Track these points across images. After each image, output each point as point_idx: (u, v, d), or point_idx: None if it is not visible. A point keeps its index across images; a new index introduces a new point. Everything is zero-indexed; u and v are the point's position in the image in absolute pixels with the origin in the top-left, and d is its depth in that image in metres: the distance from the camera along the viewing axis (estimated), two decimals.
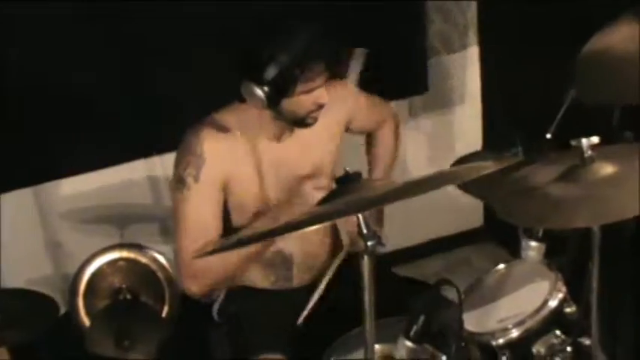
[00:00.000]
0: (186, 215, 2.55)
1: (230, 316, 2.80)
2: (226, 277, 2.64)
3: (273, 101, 2.43)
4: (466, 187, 2.74)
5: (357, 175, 1.76)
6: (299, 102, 2.47)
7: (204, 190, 2.53)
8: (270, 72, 2.38)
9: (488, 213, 4.21)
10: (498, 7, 3.78)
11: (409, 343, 2.09)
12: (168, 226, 3.79)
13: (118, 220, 3.66)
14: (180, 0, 3.37)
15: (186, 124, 3.22)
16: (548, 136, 2.75)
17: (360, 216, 1.68)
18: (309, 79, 2.43)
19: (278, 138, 2.61)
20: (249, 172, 2.58)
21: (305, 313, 2.53)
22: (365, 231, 1.68)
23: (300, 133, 2.62)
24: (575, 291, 2.26)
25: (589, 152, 1.88)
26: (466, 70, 3.99)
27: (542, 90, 3.49)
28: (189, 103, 3.41)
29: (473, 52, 3.98)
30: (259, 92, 2.40)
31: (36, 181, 3.53)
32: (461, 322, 2.06)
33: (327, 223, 1.70)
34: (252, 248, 2.55)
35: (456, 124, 4.09)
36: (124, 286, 3.50)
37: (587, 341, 2.21)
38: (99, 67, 3.42)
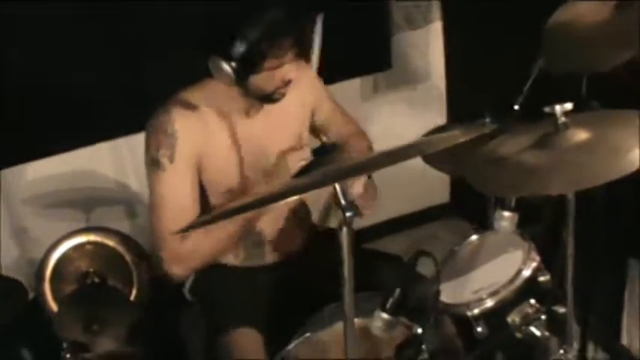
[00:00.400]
0: (163, 197, 2.52)
1: (202, 294, 2.79)
2: (211, 257, 2.62)
3: (241, 77, 2.41)
4: (435, 161, 2.74)
5: (333, 146, 1.75)
6: (267, 78, 2.45)
7: (180, 169, 2.51)
8: (238, 47, 2.35)
9: (455, 189, 4.23)
10: None
11: (385, 315, 2.09)
12: (135, 208, 3.78)
13: (84, 203, 3.63)
14: None
15: (152, 104, 3.22)
16: (516, 107, 2.75)
17: (337, 186, 1.67)
18: (277, 55, 2.41)
19: (247, 113, 2.60)
20: (222, 148, 2.56)
21: None
22: (343, 202, 1.67)
23: (270, 111, 2.61)
24: (549, 260, 2.27)
25: (562, 119, 1.89)
26: (429, 45, 3.99)
27: (505, 64, 3.50)
28: (156, 84, 3.37)
29: (436, 28, 3.97)
30: (227, 68, 2.38)
31: None
32: (437, 294, 2.05)
33: (304, 195, 1.68)
34: (237, 227, 2.54)
35: (420, 100, 4.10)
36: (91, 270, 3.48)
37: (561, 309, 2.22)
38: (64, 51, 3.37)
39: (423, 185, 3.90)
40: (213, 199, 2.65)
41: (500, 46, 3.60)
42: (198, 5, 3.22)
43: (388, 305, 2.09)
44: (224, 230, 2.55)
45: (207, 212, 2.60)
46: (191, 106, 2.54)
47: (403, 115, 4.03)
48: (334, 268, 2.63)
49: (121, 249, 3.52)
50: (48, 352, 3.12)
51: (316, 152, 1.81)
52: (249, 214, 2.54)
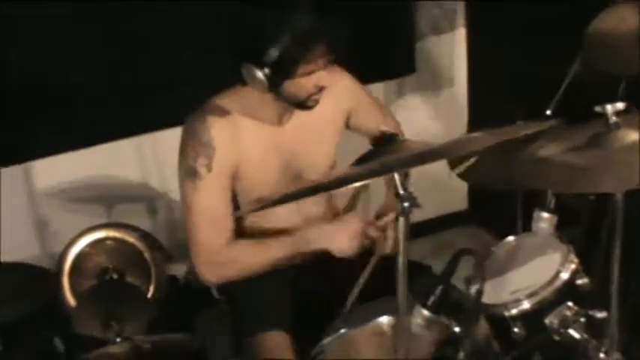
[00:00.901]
0: (200, 205, 2.51)
1: (230, 293, 2.76)
2: (244, 272, 2.60)
3: (275, 83, 2.40)
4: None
5: (393, 136, 1.74)
6: (300, 84, 2.44)
7: (217, 178, 2.50)
8: (271, 53, 2.34)
9: (473, 196, 4.23)
10: None
11: (426, 312, 2.08)
12: (156, 205, 3.77)
13: (106, 199, 3.62)
14: None
15: (176, 103, 3.22)
16: (548, 112, 2.76)
17: (396, 176, 1.66)
18: (310, 60, 2.40)
19: (279, 120, 2.59)
20: (256, 155, 2.55)
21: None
22: (401, 192, 1.67)
23: (302, 119, 2.60)
24: (587, 263, 2.26)
25: (614, 118, 1.88)
26: (454, 51, 3.99)
27: (529, 71, 3.51)
28: (179, 83, 3.39)
29: (460, 34, 3.97)
30: (260, 75, 2.37)
31: (24, 159, 3.48)
32: (480, 293, 2.04)
33: (363, 182, 1.67)
34: (279, 254, 2.56)
35: (443, 105, 4.10)
36: (110, 266, 3.47)
37: (599, 314, 2.21)
38: (89, 47, 3.38)
39: (442, 192, 3.89)
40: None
41: (524, 53, 3.60)
42: (225, 5, 3.30)
43: (429, 302, 2.08)
44: (268, 253, 2.55)
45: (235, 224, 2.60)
46: (225, 113, 2.52)
47: (426, 119, 4.03)
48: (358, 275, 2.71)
49: (140, 246, 3.51)
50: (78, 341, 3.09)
51: (376, 142, 1.80)
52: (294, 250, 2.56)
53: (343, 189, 1.72)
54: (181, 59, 3.47)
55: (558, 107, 2.79)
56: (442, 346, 2.08)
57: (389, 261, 2.73)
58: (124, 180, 3.69)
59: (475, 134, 1.87)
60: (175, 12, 3.40)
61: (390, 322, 2.30)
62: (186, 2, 3.39)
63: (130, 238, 3.50)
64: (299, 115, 2.59)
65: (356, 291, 2.53)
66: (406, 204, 1.68)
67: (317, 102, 2.50)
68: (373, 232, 2.57)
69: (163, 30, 3.42)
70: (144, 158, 3.69)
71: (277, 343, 2.58)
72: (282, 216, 2.66)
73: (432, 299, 2.09)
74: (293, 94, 2.46)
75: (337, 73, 2.68)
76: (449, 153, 1.70)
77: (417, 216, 4.15)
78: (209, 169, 2.48)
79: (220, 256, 2.52)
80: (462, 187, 4.19)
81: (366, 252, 2.78)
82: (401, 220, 1.69)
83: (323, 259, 2.78)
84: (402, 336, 1.82)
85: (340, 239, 2.51)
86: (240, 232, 2.64)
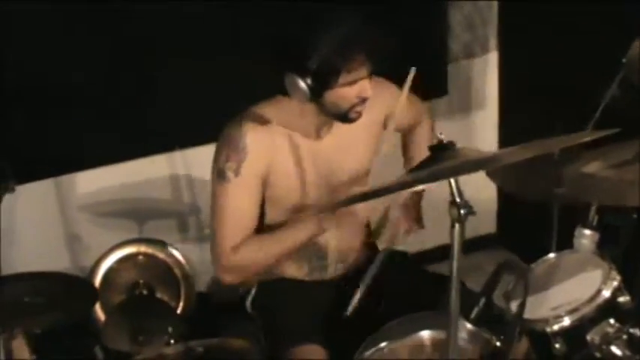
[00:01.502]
0: (225, 208, 2.54)
1: (263, 307, 2.77)
2: (264, 269, 2.66)
3: (316, 93, 2.42)
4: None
5: (450, 144, 1.75)
6: (342, 94, 2.45)
7: (245, 183, 2.53)
8: (313, 62, 2.37)
9: (501, 219, 4.22)
10: (518, 13, 3.81)
11: (469, 326, 2.08)
12: (187, 222, 3.78)
13: (137, 214, 3.64)
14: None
15: (208, 119, 3.23)
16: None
17: (452, 182, 1.67)
18: (352, 69, 2.41)
19: (317, 133, 2.60)
20: (289, 166, 2.57)
21: (352, 305, 2.52)
22: (457, 199, 1.68)
23: (340, 133, 2.61)
24: (629, 281, 2.26)
25: None
26: (486, 75, 4.01)
27: (561, 94, 3.52)
28: (212, 100, 3.41)
29: (492, 58, 3.99)
30: (302, 84, 2.39)
31: (57, 173, 3.51)
32: (523, 306, 2.04)
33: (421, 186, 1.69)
34: (293, 244, 2.57)
35: (474, 127, 4.11)
36: (140, 281, 3.48)
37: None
38: (123, 60, 3.42)
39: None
40: (273, 214, 2.66)
41: (556, 78, 3.61)
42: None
43: (473, 315, 2.08)
44: (279, 245, 2.58)
45: (262, 229, 2.63)
46: (263, 121, 2.54)
47: (457, 141, 4.02)
48: (396, 288, 2.71)
49: (170, 262, 3.52)
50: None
51: (433, 149, 1.81)
52: (312, 233, 2.57)
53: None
54: (217, 76, 3.48)
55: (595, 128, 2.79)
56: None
57: (398, 258, 2.80)
58: (155, 196, 3.71)
59: (526, 144, 1.87)
60: (211, 30, 3.43)
61: (430, 336, 2.32)
62: (219, 17, 3.41)
63: (161, 254, 3.51)
64: (338, 127, 2.60)
65: (362, 288, 2.55)
66: (463, 211, 1.68)
67: (359, 115, 2.51)
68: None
69: (201, 48, 3.45)
70: (175, 174, 3.70)
71: (313, 356, 2.58)
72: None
73: (475, 312, 2.09)
74: (335, 105, 2.48)
75: (380, 83, 2.67)
76: (503, 160, 1.71)
77: (445, 237, 4.16)
78: (237, 173, 2.51)
79: (239, 257, 2.54)
80: (491, 209, 4.19)
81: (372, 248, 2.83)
82: (457, 227, 1.69)
83: (356, 272, 2.80)
84: (452, 349, 1.82)
85: (351, 221, 2.57)
86: None
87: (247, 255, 2.55)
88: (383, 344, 2.31)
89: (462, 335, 2.08)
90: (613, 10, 3.21)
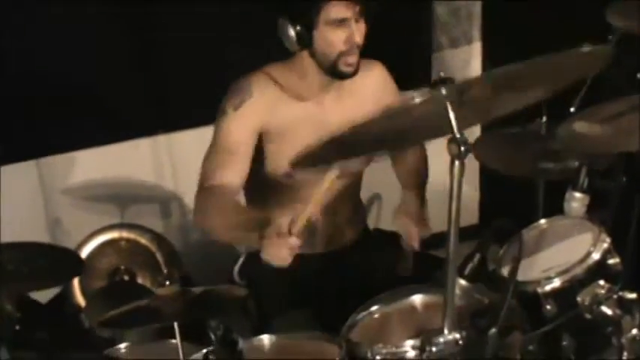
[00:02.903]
0: (218, 139, 2.59)
1: (251, 276, 2.76)
2: (212, 234, 2.62)
3: (304, 38, 2.46)
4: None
5: (449, 79, 1.76)
6: (328, 37, 2.47)
7: (241, 119, 2.56)
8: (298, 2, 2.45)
9: (484, 211, 4.23)
10: (502, 5, 3.84)
11: (463, 282, 2.07)
12: (170, 208, 3.75)
13: (120, 199, 3.62)
14: None
15: (193, 104, 3.23)
16: (572, 109, 2.79)
17: (452, 117, 1.68)
18: (331, 2, 2.43)
19: (319, 95, 2.61)
20: (290, 122, 2.59)
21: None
22: (457, 135, 1.68)
23: (344, 101, 2.62)
24: (618, 244, 2.27)
25: None
26: (469, 64, 4.03)
27: None
28: (199, 84, 3.41)
29: (476, 47, 4.02)
30: (291, 30, 2.45)
31: (40, 154, 3.49)
32: (518, 260, 2.05)
33: None
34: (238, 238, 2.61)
35: None
36: (122, 267, 3.44)
37: (630, 294, 2.21)
38: (108, 45, 3.42)
39: None
40: (271, 167, 2.66)
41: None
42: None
43: (466, 271, 2.08)
44: (236, 227, 2.54)
45: (258, 202, 2.67)
46: (271, 77, 2.60)
47: None
48: (381, 267, 2.72)
49: (153, 247, 3.49)
50: None
51: (434, 84, 1.80)
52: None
53: None
54: (201, 61, 3.48)
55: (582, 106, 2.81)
56: (478, 316, 2.06)
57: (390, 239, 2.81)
58: (138, 180, 3.69)
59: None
60: (194, 13, 3.43)
61: (422, 300, 2.32)
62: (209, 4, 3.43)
63: (143, 240, 3.48)
64: (340, 95, 2.62)
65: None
66: (463, 147, 1.69)
67: (352, 68, 2.52)
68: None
69: (182, 30, 3.45)
70: (159, 159, 3.68)
71: (299, 324, 2.56)
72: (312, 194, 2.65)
73: (469, 267, 2.09)
74: (324, 55, 2.50)
75: (372, 64, 2.73)
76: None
77: (441, 226, 4.16)
78: (236, 108, 2.55)
79: (213, 195, 2.52)
80: (473, 201, 4.20)
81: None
82: (456, 163, 1.70)
83: (353, 250, 2.80)
84: (449, 305, 1.82)
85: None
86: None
87: (211, 203, 2.53)
88: (374, 308, 2.31)
89: (456, 291, 2.07)
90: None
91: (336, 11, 2.44)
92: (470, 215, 4.29)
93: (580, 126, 2.04)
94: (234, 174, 2.56)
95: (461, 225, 4.11)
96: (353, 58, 2.51)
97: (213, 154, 2.59)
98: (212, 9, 3.37)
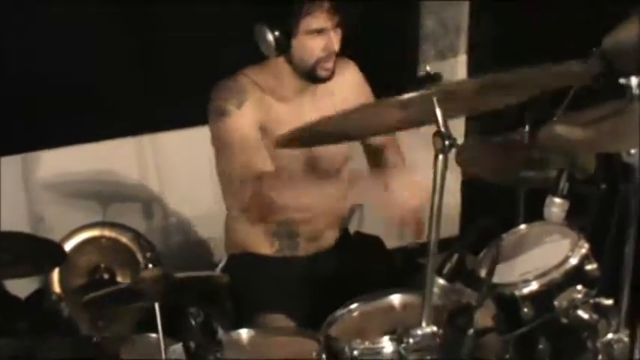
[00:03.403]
0: (232, 140, 2.56)
1: (232, 277, 2.76)
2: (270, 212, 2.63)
3: (282, 44, 2.47)
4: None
5: (437, 76, 1.78)
6: (307, 45, 2.51)
7: (247, 115, 2.57)
8: (277, 8, 2.45)
9: (465, 222, 4.26)
10: (488, 18, 3.88)
11: (441, 281, 2.09)
12: (152, 208, 3.76)
13: (102, 197, 3.63)
14: None
15: (180, 105, 3.24)
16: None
17: (438, 112, 1.70)
18: (311, 13, 2.46)
19: (297, 97, 2.62)
20: (275, 125, 2.61)
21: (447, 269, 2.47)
22: (443, 129, 1.71)
23: (321, 104, 2.64)
24: (596, 251, 2.29)
25: (638, 90, 1.94)
26: (455, 77, 4.06)
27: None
28: (186, 86, 3.42)
29: (462, 61, 4.05)
30: (269, 36, 2.47)
31: (24, 150, 3.51)
32: (495, 260, 2.07)
33: None
34: None
35: None
36: (102, 265, 3.44)
37: (606, 301, 2.23)
38: (99, 44, 3.45)
39: None
40: None
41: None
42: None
43: (445, 270, 2.10)
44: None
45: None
46: (252, 80, 2.62)
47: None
48: (362, 269, 2.74)
49: (133, 247, 3.49)
50: None
51: (422, 80, 1.83)
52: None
53: None
54: (188, 63, 3.50)
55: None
56: (456, 315, 2.08)
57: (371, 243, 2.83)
58: (122, 179, 3.71)
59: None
60: (181, 17, 3.46)
61: (401, 299, 2.34)
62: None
63: (124, 239, 3.48)
64: (316, 97, 2.65)
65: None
66: (447, 142, 1.72)
67: (329, 72, 2.55)
68: None
69: (169, 32, 3.48)
70: (143, 159, 3.69)
71: (277, 324, 2.61)
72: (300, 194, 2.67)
73: (447, 267, 2.11)
74: (301, 60, 2.53)
75: (349, 65, 2.75)
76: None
77: (407, 240, 4.17)
78: (239, 106, 2.55)
79: (262, 185, 2.52)
80: (454, 213, 4.23)
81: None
82: (440, 157, 1.72)
83: (326, 252, 2.82)
84: (427, 299, 1.84)
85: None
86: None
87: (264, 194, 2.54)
88: (353, 306, 2.32)
89: (434, 290, 2.09)
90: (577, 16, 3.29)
91: (317, 22, 2.47)
92: (451, 227, 4.32)
93: (561, 129, 2.06)
94: (263, 160, 2.56)
95: (442, 236, 4.14)
96: (330, 64, 2.54)
97: (233, 157, 2.56)
98: (199, 9, 3.40)
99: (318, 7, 2.45)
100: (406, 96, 1.73)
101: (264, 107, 2.59)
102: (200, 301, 2.18)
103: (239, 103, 2.56)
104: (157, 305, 2.16)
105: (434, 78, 1.73)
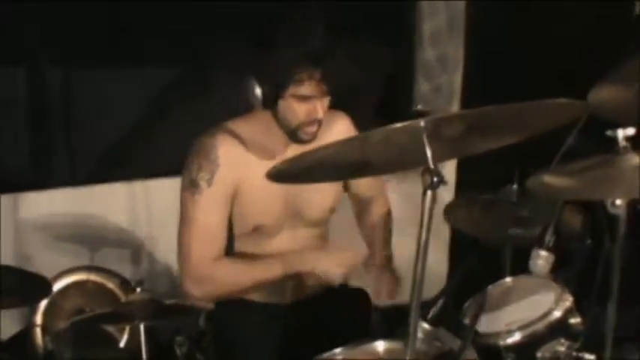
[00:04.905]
0: (196, 218, 2.55)
1: (218, 324, 2.76)
2: (231, 290, 2.63)
3: (269, 101, 2.47)
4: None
5: (427, 112, 1.82)
6: (293, 108, 2.49)
7: (216, 194, 2.54)
8: (268, 66, 2.43)
9: (453, 264, 4.26)
10: (482, 73, 3.93)
11: (426, 326, 2.10)
12: (140, 254, 3.76)
13: (91, 241, 3.62)
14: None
15: (172, 153, 3.26)
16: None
17: (427, 150, 1.73)
18: (301, 81, 2.45)
19: (283, 152, 2.63)
20: (258, 183, 2.53)
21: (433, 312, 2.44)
22: (431, 166, 1.73)
23: None
24: (581, 305, 2.31)
25: (624, 143, 1.98)
26: (452, 97, 4.05)
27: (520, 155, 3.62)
28: (177, 134, 3.44)
29: (457, 78, 4.06)
30: (257, 90, 2.46)
31: (15, 189, 3.51)
32: (480, 309, 2.08)
33: None
34: (267, 274, 2.58)
35: None
36: (86, 309, 3.43)
37: (589, 356, 2.24)
38: (89, 84, 3.48)
39: None
40: (239, 228, 2.67)
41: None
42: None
43: (430, 315, 2.11)
44: (249, 274, 2.58)
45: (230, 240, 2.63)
46: (235, 135, 2.58)
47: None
48: (347, 317, 2.73)
49: (119, 293, 3.49)
50: None
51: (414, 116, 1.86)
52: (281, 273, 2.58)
53: None
54: (181, 111, 3.54)
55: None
56: None
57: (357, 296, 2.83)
58: (111, 224, 3.71)
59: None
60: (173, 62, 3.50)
61: (385, 346, 2.33)
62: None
63: (110, 284, 3.49)
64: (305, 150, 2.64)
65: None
66: (435, 178, 1.74)
67: (311, 137, 2.54)
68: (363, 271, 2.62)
69: (163, 80, 3.52)
70: (134, 205, 3.71)
71: None
72: (279, 247, 2.69)
73: (432, 312, 2.12)
74: (285, 120, 2.50)
75: (338, 116, 2.75)
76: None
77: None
78: (209, 183, 2.52)
79: (208, 271, 2.52)
80: (441, 271, 4.23)
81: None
82: (428, 193, 1.74)
83: (313, 299, 2.81)
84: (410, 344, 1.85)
85: (328, 263, 2.55)
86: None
87: (219, 272, 2.54)
88: (337, 350, 2.32)
89: (418, 335, 2.09)
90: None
91: (305, 90, 2.46)
92: (438, 286, 4.31)
93: (549, 178, 2.10)
94: (219, 250, 2.57)
95: (429, 295, 4.14)
96: (313, 129, 2.53)
97: (192, 235, 2.55)
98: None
99: (307, 78, 2.47)
100: (392, 126, 1.75)
101: (241, 167, 2.56)
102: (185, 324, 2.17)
103: (210, 176, 2.53)
104: (141, 326, 2.16)
105: (423, 114, 1.76)
